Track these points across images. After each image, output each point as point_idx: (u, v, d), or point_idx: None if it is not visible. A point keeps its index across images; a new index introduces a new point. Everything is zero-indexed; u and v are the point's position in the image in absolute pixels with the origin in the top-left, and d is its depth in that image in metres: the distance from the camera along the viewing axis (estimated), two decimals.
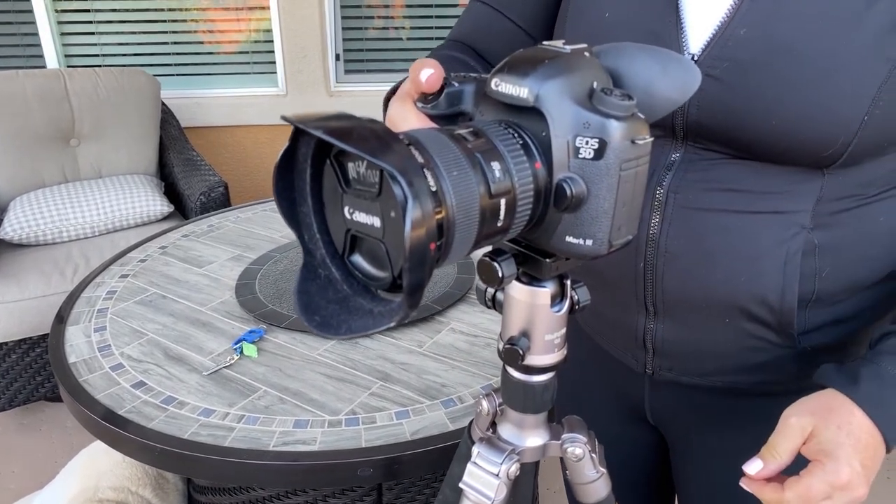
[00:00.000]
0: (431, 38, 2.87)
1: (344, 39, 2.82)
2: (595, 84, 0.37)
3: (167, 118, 2.47)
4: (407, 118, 0.42)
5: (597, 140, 0.35)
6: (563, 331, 0.46)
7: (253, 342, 1.19)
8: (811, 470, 0.49)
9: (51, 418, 2.02)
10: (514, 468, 0.48)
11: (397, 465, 0.94)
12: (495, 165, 0.34)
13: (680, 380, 0.67)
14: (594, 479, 0.51)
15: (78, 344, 1.20)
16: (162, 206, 2.14)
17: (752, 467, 0.51)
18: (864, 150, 0.53)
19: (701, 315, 0.61)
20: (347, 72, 2.87)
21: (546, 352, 0.46)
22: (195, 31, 2.74)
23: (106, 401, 1.04)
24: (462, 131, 0.35)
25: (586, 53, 0.38)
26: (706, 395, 0.67)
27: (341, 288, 0.36)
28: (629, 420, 0.77)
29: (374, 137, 0.30)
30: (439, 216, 0.31)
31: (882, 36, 0.49)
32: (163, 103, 2.47)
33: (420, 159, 0.31)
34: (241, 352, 1.17)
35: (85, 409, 1.02)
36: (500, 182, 0.34)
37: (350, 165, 0.34)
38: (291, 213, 0.36)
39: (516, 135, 0.36)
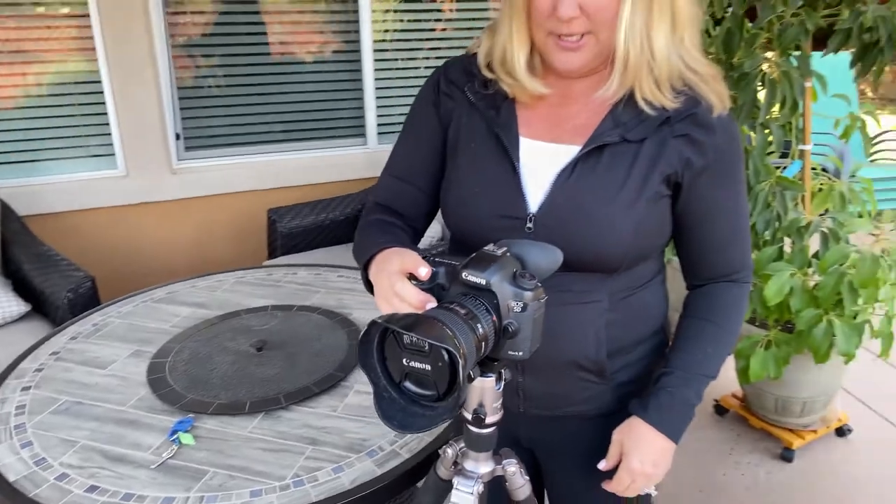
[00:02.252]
0: (270, 114, 3.08)
1: (183, 118, 2.93)
2: (516, 270, 0.69)
3: (4, 211, 2.41)
4: (409, 291, 0.71)
5: (521, 303, 0.67)
6: (501, 400, 0.77)
7: (187, 430, 1.35)
8: (620, 466, 0.91)
9: None
10: (480, 488, 0.78)
11: None
12: (477, 325, 0.65)
13: (542, 413, 1.01)
14: (522, 485, 0.83)
15: (10, 462, 1.27)
16: (18, 306, 2.12)
17: (601, 465, 0.91)
18: (629, 264, 0.91)
19: (551, 370, 0.96)
20: (188, 149, 2.97)
21: (493, 414, 0.77)
22: (25, 118, 2.68)
23: None
24: (455, 307, 0.65)
25: (508, 253, 0.70)
26: (558, 422, 1.02)
27: (399, 402, 0.64)
28: (511, 445, 1.09)
29: (426, 324, 0.60)
30: (462, 359, 0.61)
31: (629, 206, 0.88)
32: None
33: (449, 332, 0.61)
34: (179, 441, 1.32)
35: None
36: (481, 332, 0.65)
37: (405, 336, 0.62)
38: (364, 363, 0.64)
39: (481, 303, 0.67)
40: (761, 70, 1.82)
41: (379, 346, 0.63)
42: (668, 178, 0.89)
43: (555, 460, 1.06)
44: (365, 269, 0.88)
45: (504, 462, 0.81)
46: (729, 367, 1.84)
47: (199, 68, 2.91)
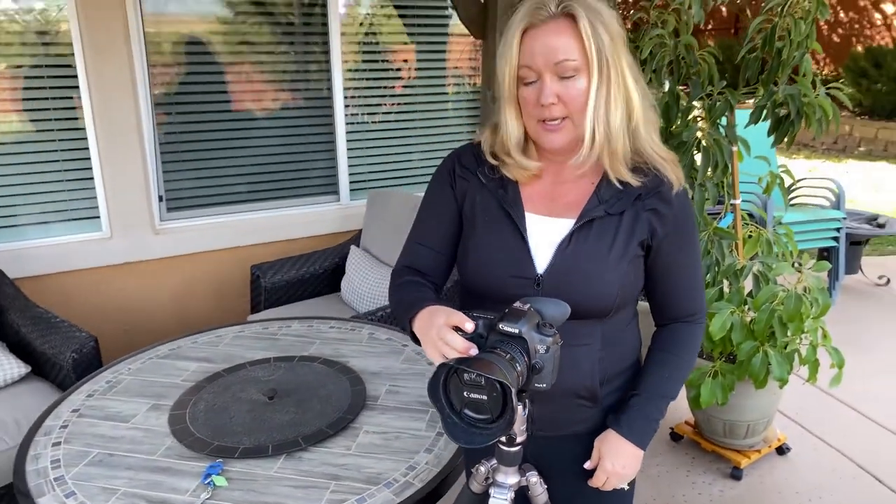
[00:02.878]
0: (248, 174, 3.26)
1: (165, 181, 3.08)
2: (538, 321, 0.92)
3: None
4: (457, 340, 0.92)
5: (545, 346, 0.90)
6: (525, 424, 0.99)
7: (219, 473, 1.49)
8: (598, 466, 1.17)
9: None
10: (512, 495, 0.99)
11: None
12: (516, 364, 0.87)
13: (547, 434, 1.23)
14: (541, 492, 1.04)
15: None
16: (18, 367, 2.20)
17: (587, 464, 1.14)
18: (616, 310, 1.15)
19: (555, 399, 1.18)
20: (170, 209, 3.12)
21: (520, 435, 0.98)
22: (11, 185, 2.78)
23: None
24: (499, 351, 0.87)
25: (531, 308, 0.93)
26: (560, 440, 1.24)
27: (461, 426, 0.85)
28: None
29: (483, 364, 0.81)
30: (513, 390, 0.83)
31: (616, 265, 1.12)
32: None
33: (499, 369, 0.83)
34: (214, 484, 1.47)
35: None
36: (518, 370, 0.87)
37: (465, 375, 0.84)
38: (434, 397, 0.85)
39: (515, 347, 0.89)
40: (697, 138, 2.14)
41: (444, 383, 0.84)
42: (641, 242, 1.15)
43: (556, 472, 1.27)
44: (409, 321, 1.09)
45: (528, 474, 1.02)
46: (682, 397, 2.11)
47: (180, 133, 3.08)
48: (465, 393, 0.84)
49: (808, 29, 1.92)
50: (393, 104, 3.54)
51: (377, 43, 3.45)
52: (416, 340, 1.08)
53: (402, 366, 2.04)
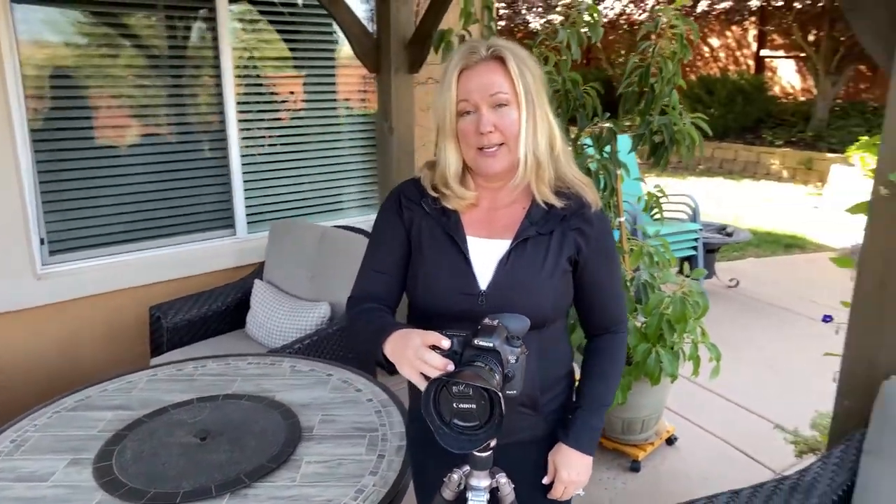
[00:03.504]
0: (136, 211, 3.12)
1: (47, 221, 2.88)
2: (507, 335, 1.02)
3: None
4: (434, 358, 1.01)
5: (515, 357, 1.01)
6: None
7: None
8: (556, 479, 1.30)
9: None
10: (487, 496, 1.08)
11: None
12: (495, 374, 0.97)
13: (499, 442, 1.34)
14: (509, 492, 1.14)
15: None
16: None
17: (545, 479, 1.27)
18: (552, 320, 1.29)
19: None
20: (53, 252, 2.91)
21: (492, 440, 1.08)
22: None
23: None
24: (478, 364, 0.97)
25: (499, 323, 1.03)
26: (505, 449, 1.33)
27: (452, 435, 0.94)
28: None
29: (470, 376, 0.91)
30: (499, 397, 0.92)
31: (549, 278, 1.26)
32: None
33: (485, 379, 0.92)
34: None
35: None
36: (497, 379, 0.97)
37: (454, 387, 0.92)
38: (426, 411, 0.92)
39: (491, 359, 0.99)
40: (587, 165, 2.38)
41: (434, 398, 0.92)
42: (569, 258, 1.29)
43: (509, 474, 1.38)
44: (380, 346, 1.16)
45: (497, 476, 1.11)
46: None
47: (63, 171, 2.90)
48: (454, 404, 0.92)
49: (675, 68, 2.22)
50: (288, 135, 3.54)
51: (270, 75, 3.45)
52: (384, 364, 1.15)
53: (331, 395, 2.06)
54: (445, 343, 1.01)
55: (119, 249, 3.06)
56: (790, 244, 6.55)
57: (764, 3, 10.14)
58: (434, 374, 0.99)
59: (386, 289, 1.34)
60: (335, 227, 3.16)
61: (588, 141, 2.53)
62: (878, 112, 9.98)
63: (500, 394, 0.90)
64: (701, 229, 4.59)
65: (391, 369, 1.14)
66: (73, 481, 1.61)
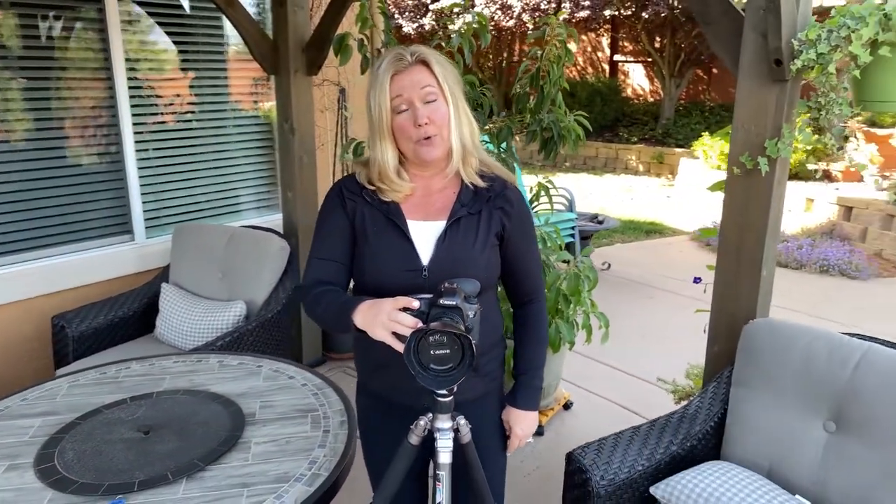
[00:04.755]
0: (30, 219, 2.97)
1: None
2: (465, 295, 1.21)
3: None
4: (406, 318, 1.17)
5: (473, 312, 1.20)
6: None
7: None
8: (511, 435, 1.54)
9: None
10: (451, 435, 1.26)
11: None
12: (461, 326, 1.16)
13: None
14: (467, 433, 1.33)
15: None
16: None
17: (509, 451, 1.50)
18: (485, 288, 1.49)
19: None
20: None
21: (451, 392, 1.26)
22: None
23: None
24: (446, 319, 1.15)
25: (457, 285, 1.22)
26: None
27: (429, 377, 1.11)
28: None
29: (446, 325, 1.09)
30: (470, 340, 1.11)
31: (481, 251, 1.46)
32: None
33: (460, 327, 1.11)
34: None
35: None
36: (464, 325, 1.16)
37: (431, 337, 1.10)
38: (408, 360, 1.10)
39: (455, 315, 1.18)
40: None
41: (414, 348, 1.09)
42: (497, 234, 1.51)
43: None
44: (349, 317, 1.30)
45: (458, 418, 1.30)
46: None
47: None
48: (431, 351, 1.10)
49: (560, 71, 2.52)
50: (185, 137, 3.51)
51: (164, 76, 3.40)
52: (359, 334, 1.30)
53: (265, 384, 2.14)
54: (416, 303, 1.19)
55: (10, 260, 2.90)
56: (650, 230, 7.28)
57: (616, 13, 11.08)
58: (406, 332, 1.16)
59: (336, 275, 1.49)
60: (243, 227, 3.19)
61: (485, 138, 2.77)
62: (714, 111, 11.25)
63: (470, 338, 1.09)
64: (577, 218, 5.04)
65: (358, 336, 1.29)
66: (16, 485, 1.59)
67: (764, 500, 1.63)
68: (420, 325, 1.17)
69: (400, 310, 1.20)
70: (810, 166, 7.73)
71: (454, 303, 1.17)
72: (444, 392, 1.23)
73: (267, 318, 2.77)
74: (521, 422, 1.56)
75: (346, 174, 1.64)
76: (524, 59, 2.63)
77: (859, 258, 5.67)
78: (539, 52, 2.54)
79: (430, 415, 1.28)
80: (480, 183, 1.49)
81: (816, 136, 1.78)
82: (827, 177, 7.45)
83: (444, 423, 1.27)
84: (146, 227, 3.35)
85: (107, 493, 1.55)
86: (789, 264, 5.73)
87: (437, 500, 1.26)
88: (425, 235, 1.46)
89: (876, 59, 1.62)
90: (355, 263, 1.49)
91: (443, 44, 2.83)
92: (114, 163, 3.22)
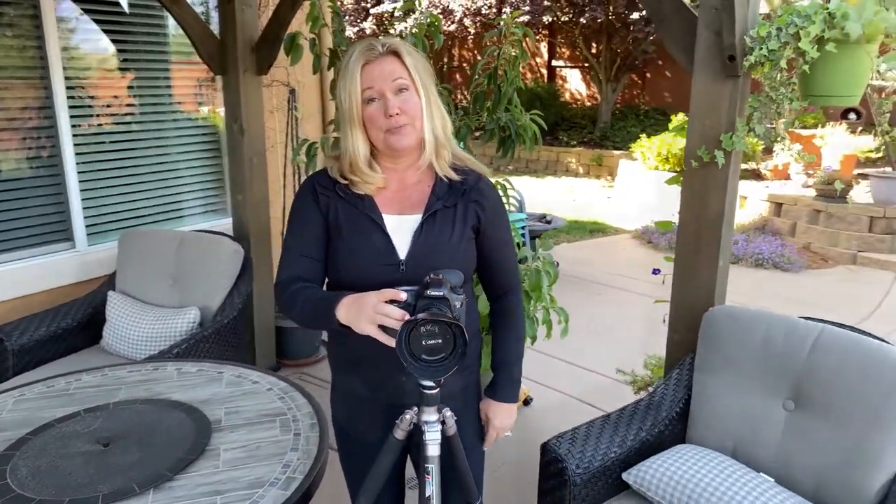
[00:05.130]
0: None
1: None
2: (451, 286, 1.21)
3: None
4: (392, 310, 1.16)
5: (460, 302, 1.20)
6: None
7: None
8: (489, 427, 1.52)
9: None
10: (439, 427, 1.25)
11: None
12: (451, 312, 1.15)
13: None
14: (452, 424, 1.32)
15: None
16: None
17: (486, 446, 1.49)
18: (462, 283, 1.50)
19: None
20: None
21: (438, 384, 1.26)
22: None
23: None
24: (434, 309, 1.14)
25: (443, 276, 1.22)
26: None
27: (422, 368, 1.10)
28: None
29: (437, 314, 1.09)
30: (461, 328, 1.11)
31: (458, 244, 1.45)
32: None
33: (449, 316, 1.10)
34: None
35: None
36: (452, 316, 1.15)
37: (422, 327, 1.09)
38: (400, 353, 1.08)
39: (443, 306, 1.17)
40: None
41: (406, 339, 1.08)
42: (473, 226, 1.51)
43: None
44: (333, 314, 1.27)
45: (443, 410, 1.29)
46: None
47: None
48: (423, 342, 1.09)
49: (516, 71, 2.55)
50: (127, 140, 3.36)
51: (104, 77, 3.26)
52: (336, 331, 1.27)
53: (228, 390, 2.07)
54: (403, 295, 1.17)
55: None
56: (593, 229, 7.47)
57: (553, 18, 11.33)
58: (395, 324, 1.15)
59: (312, 272, 1.45)
60: (194, 231, 3.09)
61: None
62: (648, 114, 11.65)
63: (461, 326, 1.08)
64: (527, 218, 5.11)
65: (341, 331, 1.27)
66: None
67: (730, 479, 1.69)
68: (408, 316, 1.16)
69: (386, 302, 1.18)
70: (742, 166, 8.10)
71: (442, 293, 1.17)
72: (431, 384, 1.22)
73: (223, 323, 2.68)
74: (500, 414, 1.56)
75: (297, 176, 1.60)
76: (480, 58, 2.65)
77: (790, 251, 5.97)
78: (497, 51, 2.56)
79: (416, 409, 1.27)
80: (454, 176, 1.49)
81: (764, 131, 1.86)
82: (756, 176, 7.83)
83: (431, 415, 1.26)
84: (88, 234, 3.20)
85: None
86: None
87: (427, 494, 1.25)
88: (401, 229, 1.44)
89: (822, 56, 1.71)
90: (330, 259, 1.46)
91: None
92: (51, 167, 3.06)
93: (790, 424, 1.77)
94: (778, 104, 1.79)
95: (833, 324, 1.83)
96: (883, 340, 1.74)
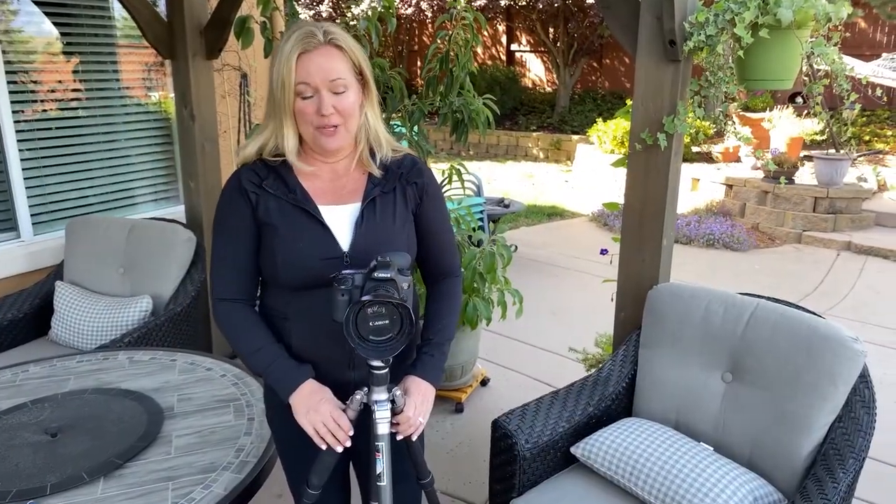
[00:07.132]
0: None
1: None
2: (398, 268, 1.23)
3: None
4: (345, 422, 1.20)
5: (407, 284, 1.23)
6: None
7: None
8: (403, 411, 1.38)
9: None
10: (389, 406, 1.28)
11: None
12: (398, 293, 1.18)
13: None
14: (403, 402, 1.35)
15: None
16: None
17: (399, 436, 1.41)
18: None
19: None
20: None
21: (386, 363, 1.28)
22: None
23: None
24: (382, 291, 1.17)
25: (390, 259, 1.24)
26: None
27: (368, 348, 1.13)
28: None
29: (384, 296, 1.11)
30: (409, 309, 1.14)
31: (401, 228, 1.43)
32: None
33: (396, 297, 1.13)
34: None
35: None
36: (399, 297, 1.18)
37: (369, 309, 1.12)
38: (348, 333, 1.11)
39: (390, 287, 1.20)
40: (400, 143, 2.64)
41: (353, 320, 1.10)
42: (412, 210, 1.50)
43: None
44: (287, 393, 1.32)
45: (393, 389, 1.32)
46: None
47: None
48: (370, 323, 1.11)
49: (468, 55, 2.57)
50: (72, 126, 3.27)
51: (46, 62, 3.16)
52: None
53: (181, 377, 2.07)
54: (348, 444, 1.28)
55: None
56: (552, 213, 7.56)
57: (511, 3, 11.34)
58: (336, 442, 1.26)
59: (248, 282, 1.42)
60: (145, 219, 3.04)
61: (398, 122, 2.79)
62: (605, 98, 11.80)
63: (408, 307, 1.11)
64: (485, 202, 5.16)
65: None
66: None
67: (671, 450, 1.77)
68: (351, 431, 1.26)
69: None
70: (694, 149, 8.31)
71: (389, 275, 1.19)
72: (380, 364, 1.25)
73: (176, 311, 2.66)
74: (419, 392, 1.39)
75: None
76: (432, 41, 2.66)
77: (740, 231, 6.17)
78: (449, 35, 2.58)
79: (366, 389, 1.30)
80: (391, 162, 1.44)
81: (703, 114, 1.93)
82: (709, 159, 8.03)
83: (380, 395, 1.28)
84: (34, 224, 3.11)
85: (16, 499, 1.45)
86: (679, 240, 6.14)
87: (377, 471, 1.28)
88: (340, 220, 1.39)
89: (757, 41, 1.78)
90: (264, 258, 1.39)
91: (348, 28, 2.81)
92: None
93: (728, 395, 1.86)
94: (716, 88, 1.85)
95: (769, 299, 1.92)
96: (813, 313, 1.84)
